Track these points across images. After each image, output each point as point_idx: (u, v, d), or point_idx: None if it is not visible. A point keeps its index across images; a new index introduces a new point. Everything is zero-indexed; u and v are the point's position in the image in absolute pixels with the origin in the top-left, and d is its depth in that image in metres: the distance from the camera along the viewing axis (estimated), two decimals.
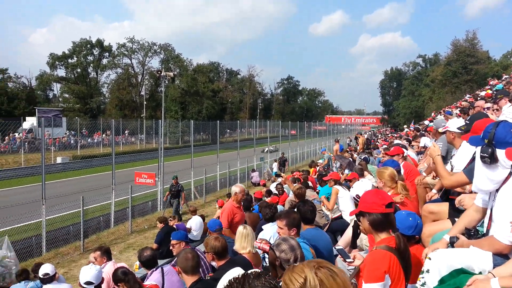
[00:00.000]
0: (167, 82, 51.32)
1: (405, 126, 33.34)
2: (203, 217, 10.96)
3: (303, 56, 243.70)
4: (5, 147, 35.80)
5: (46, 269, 5.73)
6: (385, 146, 13.77)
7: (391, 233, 2.63)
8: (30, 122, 41.00)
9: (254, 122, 39.34)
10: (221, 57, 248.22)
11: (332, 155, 19.73)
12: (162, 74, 21.18)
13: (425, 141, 9.33)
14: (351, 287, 1.67)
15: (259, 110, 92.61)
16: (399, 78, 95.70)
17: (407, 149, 8.29)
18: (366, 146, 22.16)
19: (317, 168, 16.84)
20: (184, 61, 72.95)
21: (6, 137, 36.66)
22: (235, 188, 7.08)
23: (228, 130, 56.89)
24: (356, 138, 28.78)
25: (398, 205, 3.96)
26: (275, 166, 25.46)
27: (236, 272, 2.86)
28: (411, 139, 12.97)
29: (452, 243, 2.65)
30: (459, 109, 12.35)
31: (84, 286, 4.33)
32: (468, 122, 4.30)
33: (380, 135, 45.26)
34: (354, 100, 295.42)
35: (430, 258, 2.44)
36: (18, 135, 37.87)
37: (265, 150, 32.96)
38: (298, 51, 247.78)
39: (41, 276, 5.69)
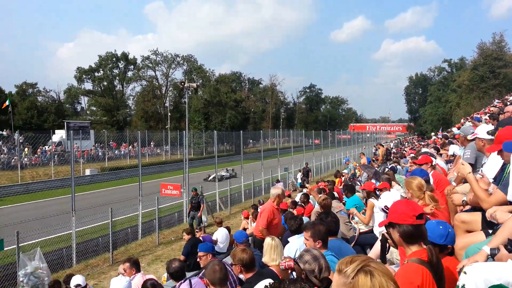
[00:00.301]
0: (190, 93, 52.07)
1: (432, 133, 32.58)
2: (228, 228, 10.96)
3: (325, 63, 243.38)
4: (36, 159, 37.01)
5: (77, 280, 5.84)
6: (413, 154, 13.48)
7: (422, 246, 2.56)
8: (59, 135, 42.35)
9: (277, 132, 39.29)
10: (243, 67, 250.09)
11: (357, 165, 19.48)
12: (185, 85, 21.49)
13: (454, 149, 9.07)
14: None
15: (281, 119, 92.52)
16: (425, 84, 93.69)
17: (435, 158, 8.08)
18: (386, 157, 21.91)
19: (343, 178, 16.64)
20: (207, 71, 73.97)
21: (38, 150, 37.93)
22: (276, 190, 6.97)
23: (251, 140, 57.06)
24: (376, 150, 28.19)
25: (428, 216, 3.86)
26: (299, 176, 25.27)
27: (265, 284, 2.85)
28: (439, 147, 12.65)
29: (493, 255, 2.54)
30: (488, 115, 12.00)
31: None
32: (497, 128, 4.17)
33: (407, 143, 44.37)
34: (378, 108, 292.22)
35: (465, 272, 2.35)
36: (48, 148, 39.12)
37: (209, 178, 28.19)
38: (320, 58, 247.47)
39: (73, 287, 5.78)
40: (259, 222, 6.61)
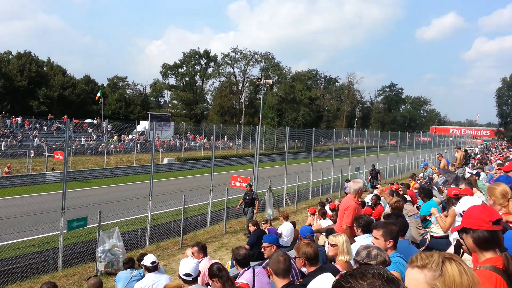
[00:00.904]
0: (265, 89, 52.74)
1: None
2: (294, 223, 10.94)
3: (409, 62, 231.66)
4: (120, 146, 40.08)
5: (151, 258, 6.16)
6: (499, 161, 12.33)
7: (497, 253, 2.40)
8: (143, 125, 45.42)
9: (350, 131, 38.19)
10: (320, 65, 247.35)
11: (436, 169, 18.29)
12: (261, 82, 21.77)
13: None
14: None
15: (356, 118, 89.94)
16: None
17: None
18: (465, 161, 20.36)
19: (418, 182, 15.72)
20: (283, 69, 74.32)
21: (126, 138, 41.03)
22: (357, 185, 6.57)
23: (322, 139, 56.24)
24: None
25: (510, 224, 3.54)
26: (367, 178, 24.46)
27: (326, 278, 2.80)
28: None
29: None
30: None
31: (183, 277, 4.59)
32: None
33: (494, 149, 40.70)
34: (465, 110, 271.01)
35: None
36: (133, 136, 42.15)
37: None
38: (403, 57, 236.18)
39: (148, 264, 6.10)
40: (344, 220, 6.27)
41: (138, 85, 73.41)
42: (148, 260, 6.14)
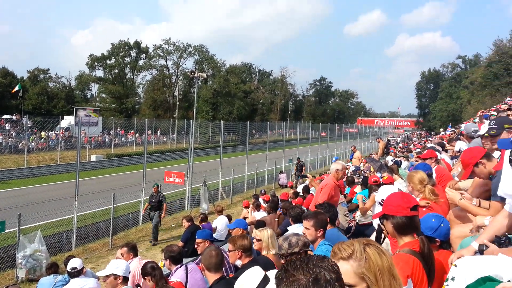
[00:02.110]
0: (199, 83, 52.11)
1: (441, 129, 32.22)
2: (229, 217, 10.96)
3: (337, 57, 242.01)
4: (43, 144, 37.35)
5: (74, 263, 5.86)
6: (419, 149, 13.31)
7: (415, 237, 2.56)
8: (67, 120, 42.68)
9: (284, 124, 39.09)
10: (255, 58, 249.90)
11: (362, 158, 19.34)
12: (195, 75, 21.40)
13: (460, 145, 8.93)
14: (396, 270, 1.65)
15: (289, 111, 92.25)
16: (437, 80, 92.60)
17: (440, 153, 7.95)
18: (386, 150, 21.93)
19: (347, 171, 16.47)
20: (218, 62, 73.85)
21: (43, 133, 38.27)
22: (336, 165, 6.60)
23: (257, 132, 56.99)
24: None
25: (424, 209, 3.81)
26: (292, 173, 25.27)
27: (255, 271, 2.79)
28: (445, 143, 12.47)
29: (481, 251, 2.53)
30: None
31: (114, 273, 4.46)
32: (496, 126, 4.08)
33: (415, 138, 44.04)
34: (388, 102, 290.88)
35: (456, 265, 2.32)
36: (56, 133, 39.45)
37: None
38: (332, 52, 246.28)
39: (69, 270, 5.83)
40: (319, 197, 6.25)
41: (62, 77, 68.83)
42: (69, 265, 5.86)
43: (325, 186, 6.35)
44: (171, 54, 71.97)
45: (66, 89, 65.91)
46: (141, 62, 72.72)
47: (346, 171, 9.37)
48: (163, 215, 13.34)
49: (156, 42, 78.41)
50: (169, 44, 70.86)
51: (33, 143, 36.08)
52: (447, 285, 2.28)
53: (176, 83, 71.73)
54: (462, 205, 3.48)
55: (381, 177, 7.96)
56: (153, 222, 12.90)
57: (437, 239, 3.10)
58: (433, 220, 3.12)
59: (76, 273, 5.80)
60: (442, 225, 3.11)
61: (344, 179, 13.08)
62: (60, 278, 6.57)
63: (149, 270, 4.58)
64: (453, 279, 2.25)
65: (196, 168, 19.62)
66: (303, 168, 23.68)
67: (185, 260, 5.75)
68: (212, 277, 3.78)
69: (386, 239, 3.94)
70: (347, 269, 1.56)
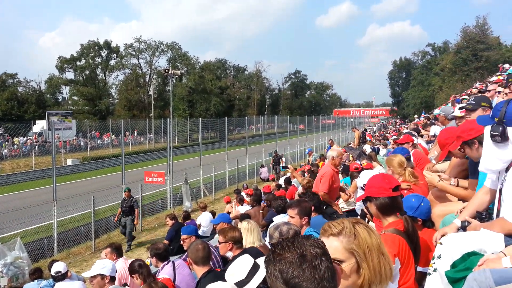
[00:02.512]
0: (174, 81, 51.59)
1: (415, 116, 32.97)
2: (213, 213, 10.96)
3: (310, 49, 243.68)
4: (16, 150, 36.27)
5: (58, 267, 5.79)
6: (395, 136, 13.61)
7: (398, 216, 2.60)
8: (40, 125, 41.55)
9: (262, 118, 39.30)
10: (228, 54, 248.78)
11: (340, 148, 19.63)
12: (169, 72, 21.16)
13: (435, 129, 9.18)
14: (385, 248, 1.69)
15: (267, 106, 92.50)
16: (408, 68, 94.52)
17: (417, 138, 8.16)
18: (362, 139, 22.39)
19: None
20: (191, 59, 73.13)
21: (16, 139, 37.16)
22: (332, 152, 6.62)
23: (235, 128, 56.88)
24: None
25: (406, 191, 3.91)
26: (268, 167, 25.35)
27: (245, 258, 2.83)
28: (420, 129, 12.80)
29: (463, 228, 2.59)
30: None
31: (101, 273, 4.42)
32: (473, 102, 4.24)
33: (390, 126, 44.94)
34: (363, 93, 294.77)
35: (441, 243, 2.40)
36: (29, 138, 38.34)
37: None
38: (305, 44, 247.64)
39: (53, 274, 5.76)
40: (320, 187, 6.22)
41: (32, 81, 66.69)
42: (53, 269, 5.79)
43: (324, 175, 6.32)
44: (143, 53, 70.98)
45: (36, 93, 63.97)
46: (112, 62, 71.36)
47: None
48: (136, 221, 12.63)
49: (126, 41, 76.76)
50: (141, 42, 69.84)
51: (5, 150, 35.00)
52: (434, 263, 2.35)
53: (150, 82, 70.71)
54: (441, 187, 3.56)
55: (361, 164, 8.13)
56: (127, 229, 12.29)
57: (418, 218, 3.16)
58: (413, 200, 3.18)
59: (61, 277, 5.73)
60: (422, 204, 3.18)
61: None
62: (45, 283, 6.46)
63: (136, 268, 4.58)
64: (439, 257, 2.33)
65: (176, 166, 19.50)
66: (280, 161, 23.75)
67: (171, 258, 5.75)
68: (200, 270, 3.79)
69: (371, 222, 4.05)
70: (337, 246, 1.59)
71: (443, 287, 2.25)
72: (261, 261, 2.75)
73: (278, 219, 5.58)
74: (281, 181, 12.53)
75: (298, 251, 1.23)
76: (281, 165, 22.41)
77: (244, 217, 7.65)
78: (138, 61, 71.19)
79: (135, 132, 50.84)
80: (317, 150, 33.68)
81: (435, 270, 2.34)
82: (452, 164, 4.20)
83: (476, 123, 2.70)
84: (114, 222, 13.47)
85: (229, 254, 4.29)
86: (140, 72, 70.88)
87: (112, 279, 4.71)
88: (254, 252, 3.94)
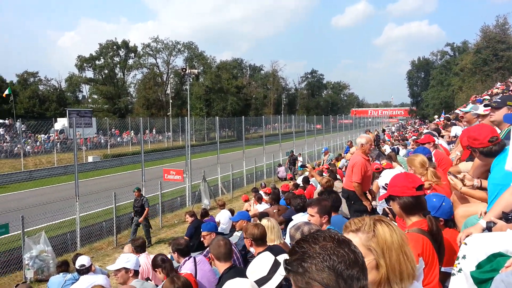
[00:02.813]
0: (191, 80, 51.95)
1: (435, 116, 32.45)
2: (232, 211, 11.05)
3: (327, 49, 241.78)
4: (38, 147, 37.10)
5: (82, 260, 5.91)
6: (414, 137, 13.47)
7: (422, 216, 2.58)
8: (61, 122, 42.36)
9: (278, 117, 39.17)
10: (244, 54, 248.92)
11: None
12: (186, 72, 21.37)
13: (456, 130, 9.06)
14: (408, 247, 1.69)
15: (283, 105, 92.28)
16: (427, 68, 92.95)
17: (438, 138, 8.09)
18: (376, 142, 21.99)
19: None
20: (208, 58, 73.53)
21: (38, 136, 37.99)
22: (361, 140, 6.31)
23: (252, 127, 56.95)
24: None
25: (428, 191, 3.89)
26: (283, 168, 25.17)
27: (266, 256, 2.89)
28: (441, 129, 12.64)
29: (488, 228, 2.56)
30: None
31: (125, 266, 4.51)
32: (499, 100, 4.21)
33: (409, 127, 44.37)
34: (380, 92, 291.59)
35: (466, 244, 2.37)
36: (51, 136, 39.19)
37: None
38: (321, 44, 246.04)
39: (77, 268, 5.88)
40: (352, 177, 6.06)
41: (52, 80, 68.21)
42: (77, 262, 5.92)
43: (355, 164, 6.10)
44: (160, 52, 71.70)
45: (57, 91, 65.35)
46: (130, 61, 72.34)
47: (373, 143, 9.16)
48: (140, 219, 12.23)
49: (143, 40, 77.78)
50: (158, 42, 70.61)
51: (28, 147, 35.86)
52: (459, 263, 2.32)
53: (167, 81, 71.40)
54: (465, 192, 3.51)
55: (381, 164, 8.09)
56: (143, 228, 12.40)
57: (440, 218, 3.11)
58: (434, 199, 3.14)
59: (85, 270, 5.86)
60: (443, 203, 3.13)
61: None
62: (70, 276, 6.61)
63: (159, 262, 4.62)
64: (464, 257, 2.30)
65: (194, 165, 19.68)
66: (296, 162, 23.56)
67: (192, 254, 5.84)
68: (222, 266, 3.81)
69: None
70: (356, 242, 1.59)
71: (468, 287, 2.26)
72: (282, 258, 2.80)
73: (298, 218, 5.61)
74: (299, 180, 12.55)
75: (333, 237, 1.21)
76: (297, 165, 22.31)
77: (263, 215, 7.73)
78: (156, 60, 72.16)
79: (153, 130, 51.48)
80: (335, 150, 33.54)
81: (460, 270, 2.33)
82: (475, 164, 4.17)
83: (482, 134, 2.75)
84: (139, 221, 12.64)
85: (253, 250, 4.30)
86: (158, 71, 71.69)
87: (136, 273, 4.83)
88: (277, 250, 3.98)
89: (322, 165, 16.20)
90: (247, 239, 4.19)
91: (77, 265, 5.89)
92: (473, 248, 2.30)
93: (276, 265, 2.74)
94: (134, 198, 12.60)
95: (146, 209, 12.34)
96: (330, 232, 1.25)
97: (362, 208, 6.16)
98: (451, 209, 3.22)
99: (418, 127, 36.04)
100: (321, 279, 1.13)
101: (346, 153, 19.45)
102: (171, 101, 60.38)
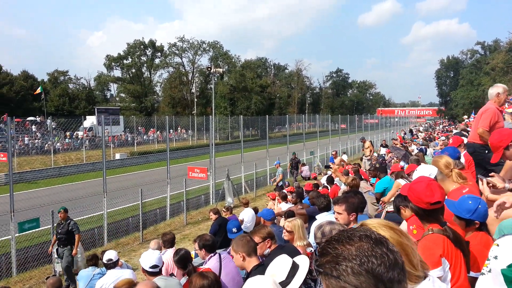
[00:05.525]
0: (216, 79, 52.39)
1: (465, 116, 31.56)
2: (256, 209, 11.07)
3: (352, 48, 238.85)
4: (68, 144, 38.26)
5: (109, 255, 6.05)
6: (443, 137, 13.16)
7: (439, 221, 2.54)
8: (90, 120, 43.57)
9: (303, 117, 38.99)
10: (268, 53, 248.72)
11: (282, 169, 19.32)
12: (211, 71, 21.56)
13: None
14: (415, 256, 1.64)
15: (307, 104, 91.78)
16: (457, 67, 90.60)
17: (467, 138, 7.88)
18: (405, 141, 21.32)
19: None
20: (232, 57, 73.95)
21: (67, 134, 39.15)
22: (497, 89, 5.56)
23: (276, 126, 56.91)
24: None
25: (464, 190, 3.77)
26: (280, 171, 24.60)
27: (283, 259, 2.88)
28: (470, 129, 12.29)
29: None
30: None
31: (150, 270, 4.53)
32: None
33: (438, 127, 43.33)
34: (407, 92, 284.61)
35: (498, 245, 2.33)
36: (80, 133, 40.37)
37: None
38: (347, 43, 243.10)
39: (105, 262, 6.02)
40: (480, 123, 5.34)
41: (81, 78, 70.30)
42: (105, 257, 6.05)
43: (486, 111, 5.39)
44: (186, 52, 72.50)
45: (86, 90, 67.25)
46: (157, 60, 73.51)
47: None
48: (74, 251, 9.18)
49: (170, 40, 79.03)
50: (183, 41, 71.40)
51: (58, 144, 37.02)
52: (489, 263, 2.31)
53: (192, 80, 72.21)
54: (491, 199, 3.42)
55: (402, 168, 7.97)
56: (62, 263, 9.20)
57: (476, 221, 3.00)
58: (470, 202, 3.01)
59: (112, 265, 6.00)
60: (479, 206, 3.01)
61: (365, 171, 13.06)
62: (98, 271, 6.82)
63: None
64: (495, 257, 2.27)
65: (217, 163, 19.82)
66: (299, 165, 22.81)
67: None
68: (252, 262, 3.73)
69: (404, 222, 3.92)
70: None
71: (497, 287, 2.22)
72: (298, 260, 2.76)
73: (321, 217, 5.58)
74: (323, 180, 12.47)
75: (369, 236, 1.10)
76: (300, 169, 21.88)
77: (289, 214, 7.72)
78: (181, 59, 73.01)
79: (178, 128, 52.20)
80: (359, 150, 33.09)
81: (490, 270, 2.29)
82: (506, 166, 4.06)
83: (502, 130, 2.67)
84: (48, 253, 9.99)
85: (267, 251, 4.22)
86: (183, 70, 72.54)
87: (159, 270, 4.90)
88: (291, 250, 3.92)
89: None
90: (266, 241, 4.06)
91: (104, 260, 6.03)
92: (505, 249, 2.25)
93: (294, 268, 2.70)
94: (58, 221, 9.44)
95: (77, 236, 9.24)
96: (365, 230, 1.15)
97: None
98: (486, 211, 3.08)
99: (446, 127, 35.15)
100: (359, 284, 1.03)
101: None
102: (196, 100, 61.07)
